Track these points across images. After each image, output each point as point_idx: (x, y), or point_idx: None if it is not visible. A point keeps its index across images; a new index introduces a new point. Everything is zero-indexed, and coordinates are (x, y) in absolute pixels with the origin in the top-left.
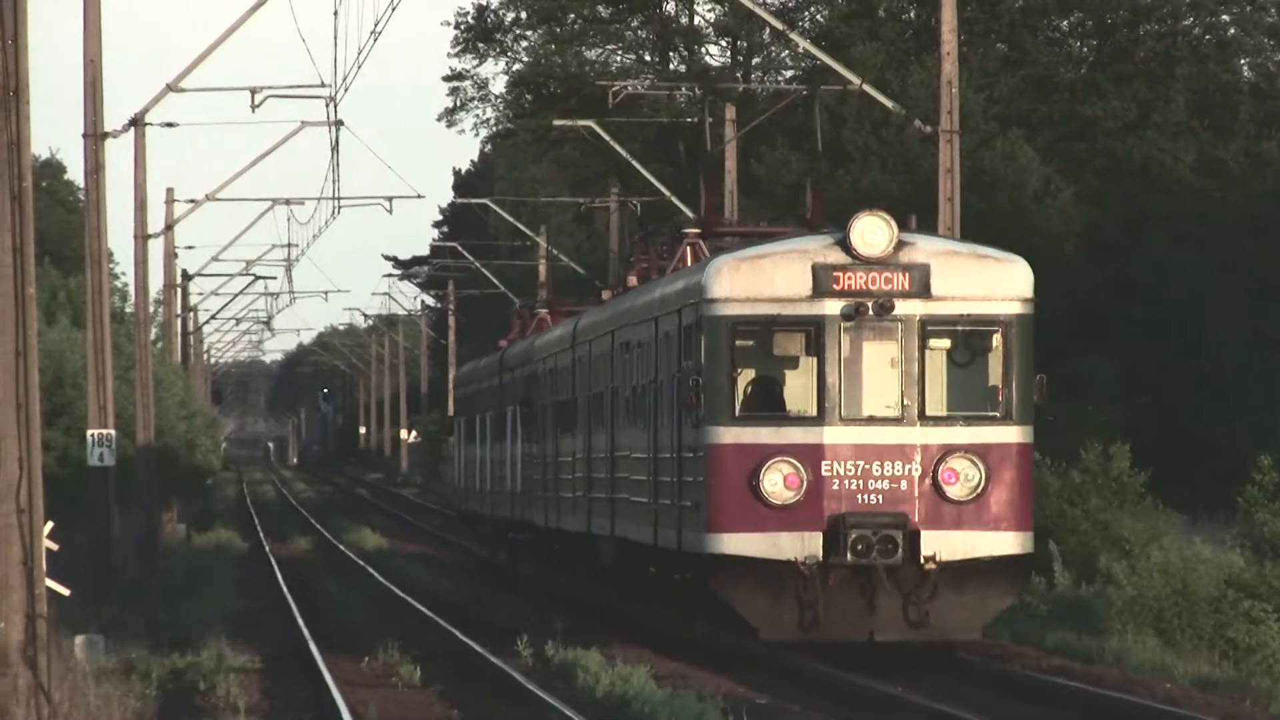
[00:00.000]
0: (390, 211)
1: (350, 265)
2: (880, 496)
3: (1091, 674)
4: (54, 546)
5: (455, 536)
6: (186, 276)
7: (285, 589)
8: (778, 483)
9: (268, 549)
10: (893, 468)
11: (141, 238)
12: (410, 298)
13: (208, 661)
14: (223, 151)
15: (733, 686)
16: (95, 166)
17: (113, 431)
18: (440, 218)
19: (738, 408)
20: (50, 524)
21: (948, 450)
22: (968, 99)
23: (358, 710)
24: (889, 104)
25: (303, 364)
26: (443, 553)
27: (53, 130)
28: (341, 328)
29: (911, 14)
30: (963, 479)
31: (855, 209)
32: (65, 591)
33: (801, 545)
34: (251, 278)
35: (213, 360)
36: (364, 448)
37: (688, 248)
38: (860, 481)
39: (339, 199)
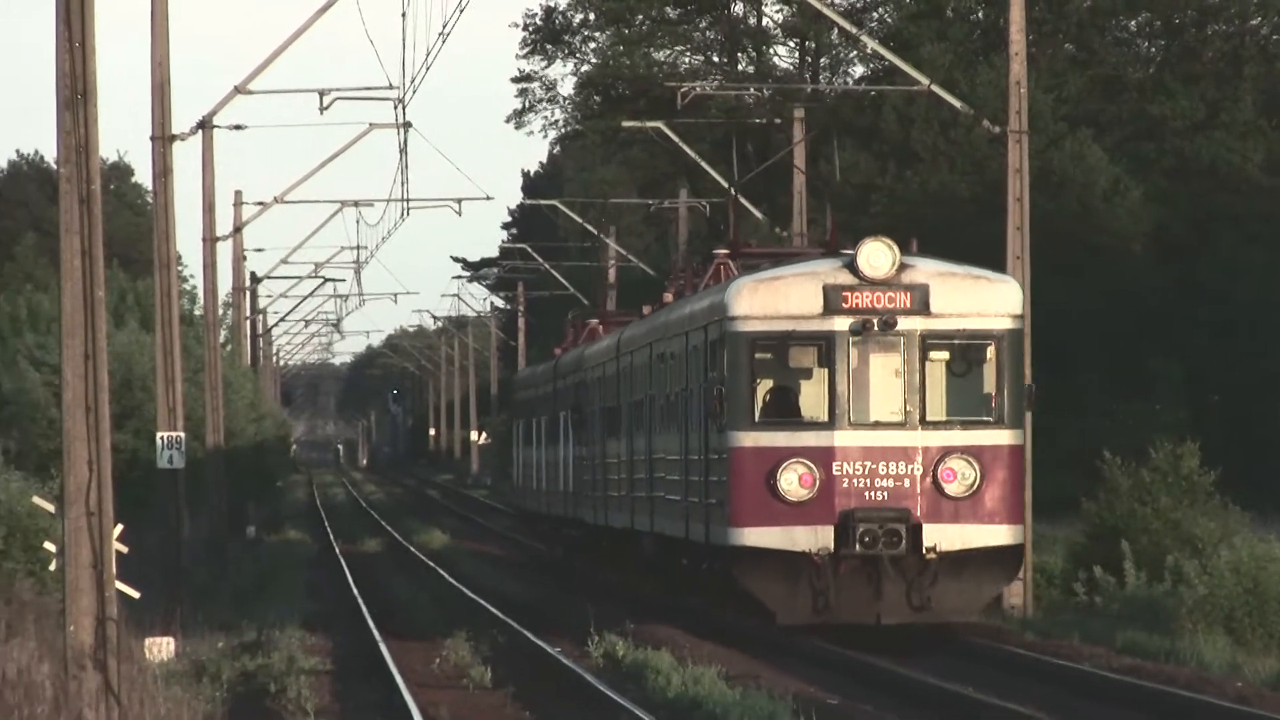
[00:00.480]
0: (459, 213)
1: (419, 267)
2: (885, 493)
3: (1163, 673)
4: (123, 549)
5: (524, 537)
6: (255, 279)
7: (355, 590)
8: (793, 482)
9: (337, 550)
10: (896, 467)
11: (210, 240)
12: (479, 299)
13: (278, 663)
14: (291, 154)
15: (803, 686)
16: (163, 169)
17: (182, 434)
18: (509, 219)
19: (757, 414)
20: (120, 527)
21: (946, 451)
22: (1036, 99)
23: (429, 712)
24: (957, 104)
25: (372, 366)
26: (511, 552)
27: (121, 133)
28: (411, 329)
29: (980, 14)
30: (960, 477)
31: (924, 211)
32: (135, 594)
33: (814, 538)
34: (320, 280)
35: (282, 363)
36: (434, 449)
37: (720, 267)
38: (867, 480)
39: (408, 201)
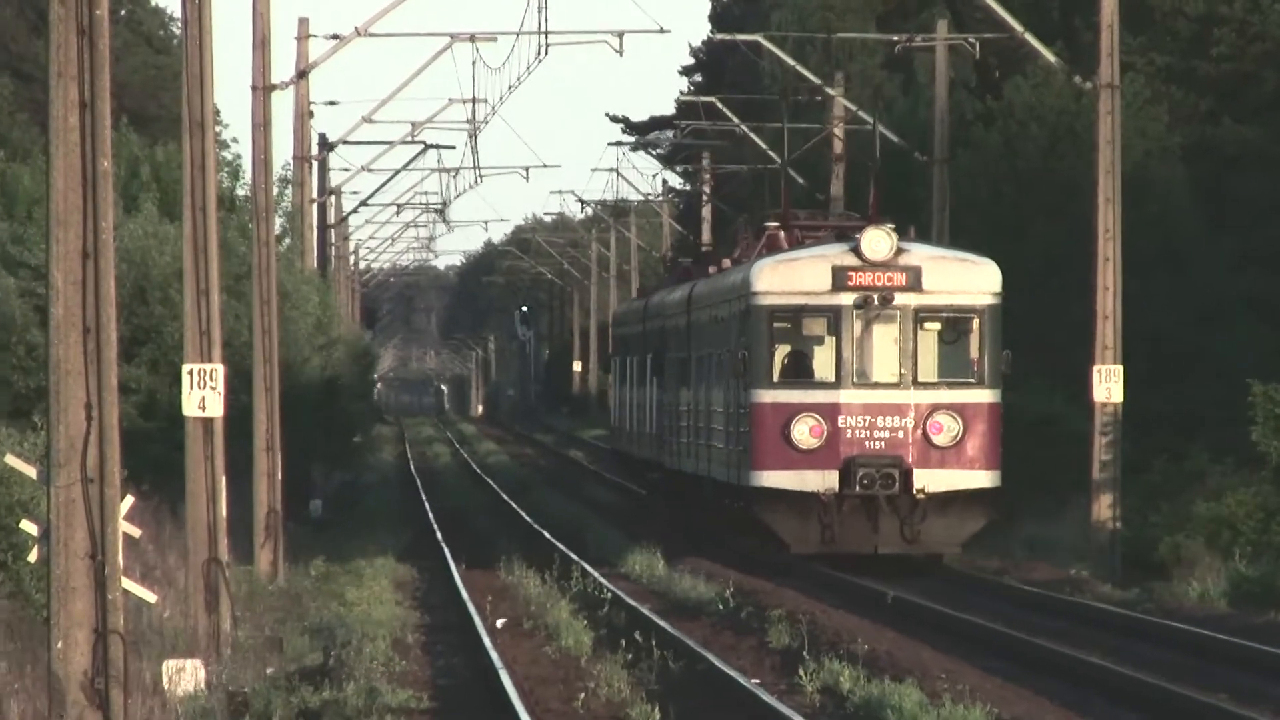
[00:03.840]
0: (620, 52)
1: (561, 132)
2: (883, 443)
3: None
4: (135, 532)
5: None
6: (326, 145)
7: (465, 595)
8: (804, 432)
9: (449, 560)
10: (892, 421)
11: (263, 88)
12: (646, 176)
13: (353, 698)
14: None
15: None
16: None
17: (220, 367)
18: (691, 62)
19: (775, 375)
20: (130, 500)
21: (934, 408)
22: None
23: None
24: (1050, 56)
25: (491, 271)
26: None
27: None
28: (548, 219)
29: None
30: (945, 430)
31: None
32: (151, 597)
33: (822, 480)
34: (420, 147)
35: (363, 265)
36: (580, 391)
37: (778, 234)
38: (867, 431)
39: (546, 34)
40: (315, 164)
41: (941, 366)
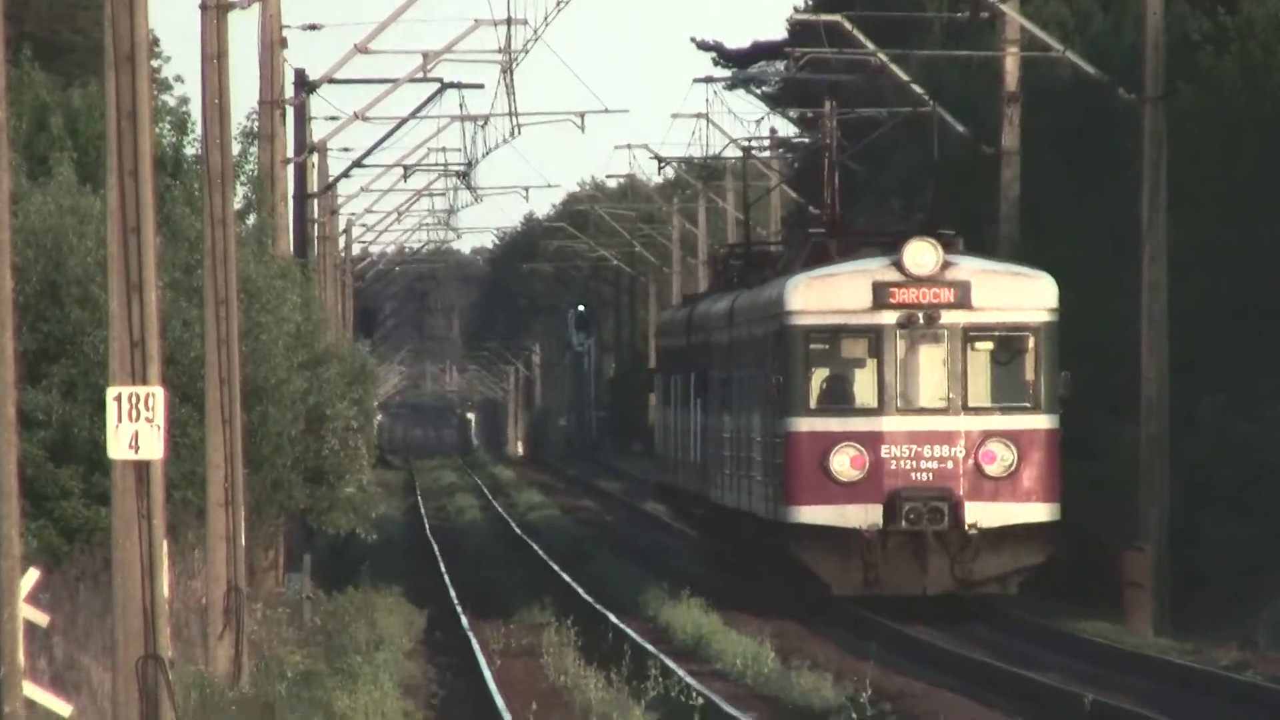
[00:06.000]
0: None
1: (627, 66)
2: (930, 474)
3: None
4: (42, 619)
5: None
6: (306, 85)
7: None
8: (845, 463)
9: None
10: (940, 450)
11: (216, 5)
12: (747, 122)
13: None
14: None
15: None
16: None
17: (159, 391)
18: None
19: (813, 401)
20: (34, 575)
21: (986, 435)
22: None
23: None
24: (1091, 70)
25: (535, 256)
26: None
27: None
28: (612, 184)
29: None
30: (999, 459)
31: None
32: (65, 709)
33: (865, 515)
34: (435, 87)
35: (359, 252)
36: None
37: (825, 242)
38: (913, 461)
39: None
40: (291, 111)
41: (994, 390)
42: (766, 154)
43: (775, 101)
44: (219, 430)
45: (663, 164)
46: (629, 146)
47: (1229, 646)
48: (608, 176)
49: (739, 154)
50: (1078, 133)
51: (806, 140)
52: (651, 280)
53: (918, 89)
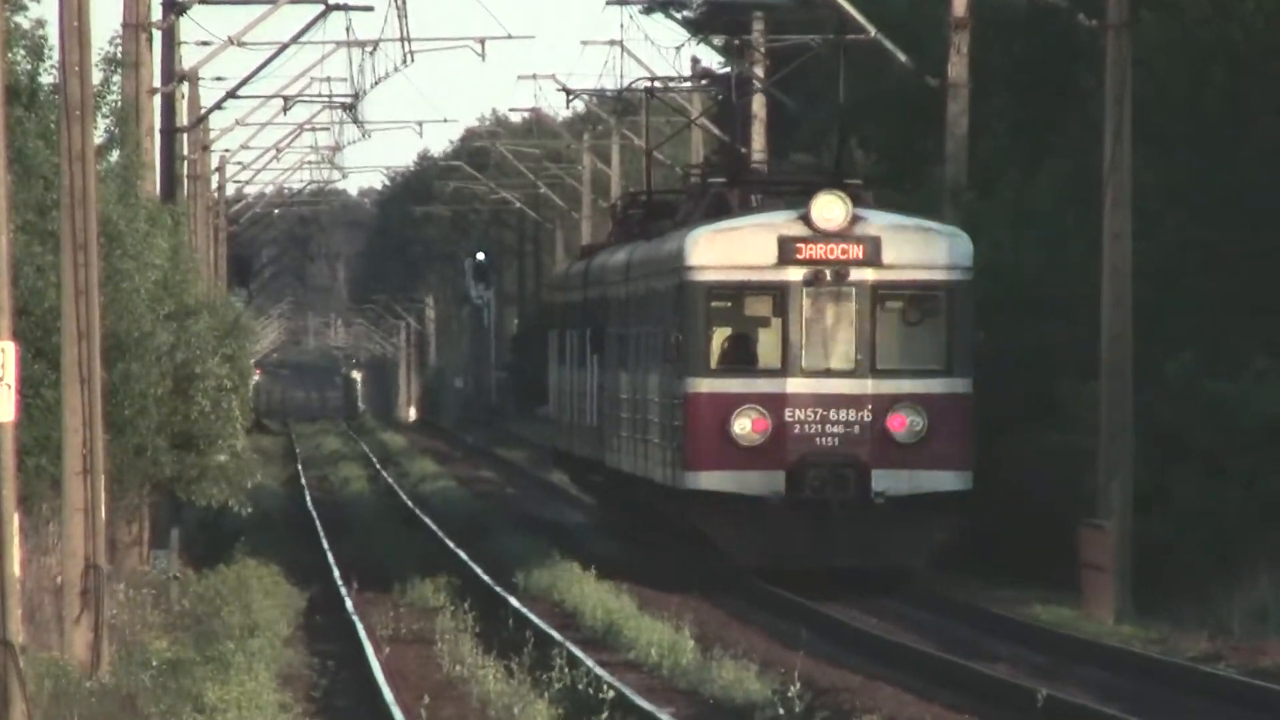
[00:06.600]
0: None
1: None
2: (836, 439)
3: None
4: None
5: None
6: (175, 6)
7: None
8: (746, 426)
9: None
10: (847, 414)
11: None
12: (665, 51)
13: None
14: None
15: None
16: None
17: (9, 346)
18: None
19: (713, 361)
20: None
21: (896, 399)
22: None
23: None
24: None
25: (429, 199)
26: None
27: None
28: (516, 119)
29: None
30: (909, 425)
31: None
32: None
33: (767, 482)
34: (319, 8)
35: (234, 193)
36: None
37: (725, 193)
38: (819, 426)
39: None
40: (158, 35)
41: (904, 352)
42: (688, 85)
43: (697, 27)
44: (76, 390)
45: (571, 96)
46: (534, 77)
47: (1198, 635)
48: (510, 110)
49: (653, 85)
50: (1034, 64)
51: (730, 71)
52: (559, 226)
53: (857, 14)
